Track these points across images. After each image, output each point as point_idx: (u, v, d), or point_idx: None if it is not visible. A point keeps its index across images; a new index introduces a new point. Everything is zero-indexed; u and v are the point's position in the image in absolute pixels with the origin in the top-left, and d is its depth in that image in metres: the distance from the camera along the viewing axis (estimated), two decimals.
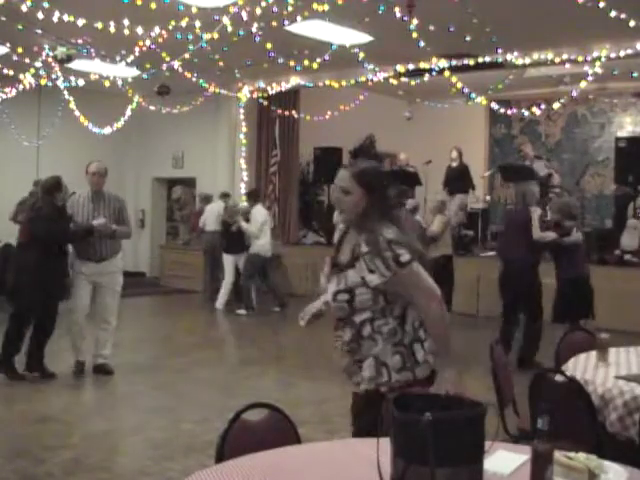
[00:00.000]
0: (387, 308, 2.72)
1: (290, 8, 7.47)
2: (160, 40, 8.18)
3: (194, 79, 10.43)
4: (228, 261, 10.91)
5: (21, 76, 9.92)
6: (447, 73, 9.63)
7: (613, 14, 7.33)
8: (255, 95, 12.87)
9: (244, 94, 13.05)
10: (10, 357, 6.45)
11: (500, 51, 9.30)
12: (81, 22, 7.76)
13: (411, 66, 10.62)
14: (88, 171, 6.62)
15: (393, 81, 11.06)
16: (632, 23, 7.39)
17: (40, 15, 7.46)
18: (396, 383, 2.66)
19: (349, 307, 2.74)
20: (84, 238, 6.44)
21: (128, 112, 11.52)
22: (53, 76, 10.11)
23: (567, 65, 10.07)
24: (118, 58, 9.11)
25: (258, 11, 7.52)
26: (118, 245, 6.74)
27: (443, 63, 9.47)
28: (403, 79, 11.01)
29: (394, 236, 2.67)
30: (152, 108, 11.96)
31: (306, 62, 9.50)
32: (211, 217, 11.55)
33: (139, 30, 8.04)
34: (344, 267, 2.77)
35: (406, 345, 2.70)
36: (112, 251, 6.63)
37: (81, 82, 10.44)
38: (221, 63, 9.66)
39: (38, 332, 6.52)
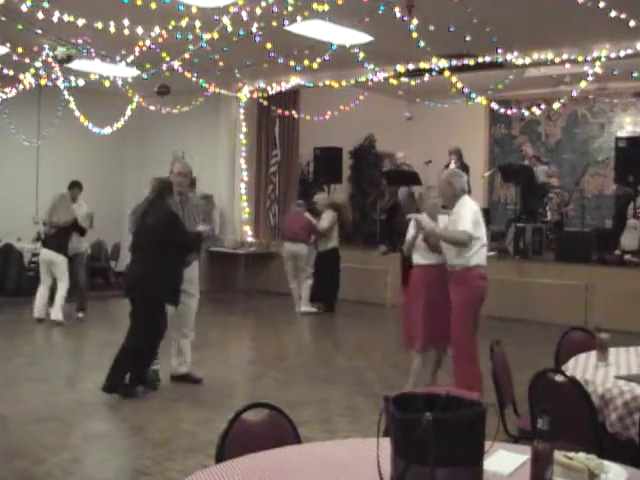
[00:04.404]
0: None
1: (290, 8, 7.47)
2: (160, 40, 8.18)
3: (194, 79, 10.43)
4: (65, 263, 9.52)
5: (21, 76, 9.92)
6: (447, 73, 9.63)
7: (613, 14, 7.34)
8: (255, 95, 12.87)
9: (244, 94, 13.05)
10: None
11: (500, 51, 9.30)
12: (81, 22, 7.76)
13: (411, 66, 10.61)
14: (172, 171, 6.18)
15: (393, 81, 11.05)
16: (632, 23, 7.39)
17: (40, 15, 7.47)
18: None
19: None
20: (200, 246, 6.14)
21: (128, 112, 11.53)
22: (53, 76, 10.11)
23: (567, 65, 10.07)
24: (118, 58, 9.10)
25: (258, 11, 7.52)
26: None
27: (443, 63, 9.46)
28: (403, 79, 11.01)
29: None
30: (152, 108, 11.96)
31: (306, 62, 9.49)
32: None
33: (139, 30, 8.04)
34: None
35: None
36: (195, 255, 6.26)
37: (81, 82, 10.44)
38: (221, 63, 9.66)
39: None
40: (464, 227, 5.27)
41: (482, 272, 5.42)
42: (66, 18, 7.61)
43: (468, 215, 5.32)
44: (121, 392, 5.86)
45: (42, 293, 9.46)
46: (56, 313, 9.27)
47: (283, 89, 12.34)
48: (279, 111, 12.62)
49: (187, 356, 6.41)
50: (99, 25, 7.78)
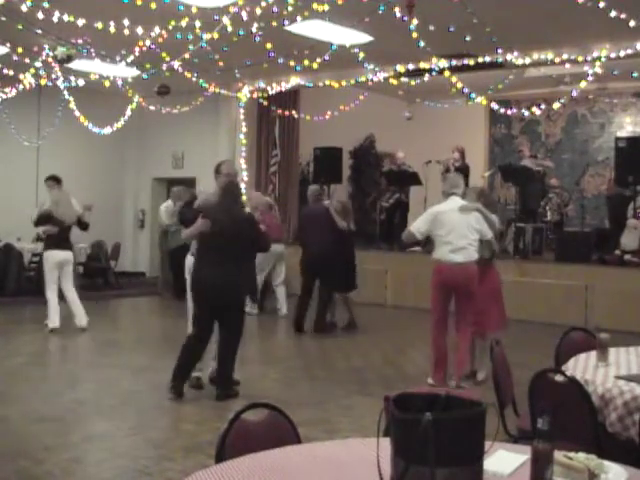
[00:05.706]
0: None
1: (290, 8, 7.48)
2: (160, 40, 8.18)
3: (194, 79, 10.43)
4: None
5: (21, 76, 9.93)
6: (447, 73, 9.63)
7: (613, 14, 7.34)
8: (255, 95, 12.87)
9: (244, 94, 13.05)
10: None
11: (500, 51, 9.30)
12: (81, 22, 7.77)
13: (411, 66, 10.62)
14: (221, 172, 6.05)
15: (393, 81, 11.06)
16: (632, 23, 7.40)
17: (40, 15, 7.48)
18: None
19: None
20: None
21: (128, 112, 11.52)
22: (53, 76, 10.12)
23: (567, 65, 10.08)
24: (118, 58, 9.11)
25: (258, 11, 7.52)
26: None
27: (443, 63, 9.46)
28: (403, 79, 11.01)
29: None
30: (152, 108, 11.96)
31: (306, 62, 9.50)
32: None
33: (139, 30, 8.05)
34: None
35: None
36: None
37: (81, 82, 10.45)
38: (221, 63, 9.67)
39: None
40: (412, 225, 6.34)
41: (439, 267, 6.15)
42: (66, 18, 7.62)
43: (422, 216, 6.28)
44: (234, 394, 5.96)
45: (56, 302, 8.80)
46: (82, 319, 8.89)
47: (283, 89, 12.34)
48: (279, 111, 12.62)
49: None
50: (99, 25, 7.79)
